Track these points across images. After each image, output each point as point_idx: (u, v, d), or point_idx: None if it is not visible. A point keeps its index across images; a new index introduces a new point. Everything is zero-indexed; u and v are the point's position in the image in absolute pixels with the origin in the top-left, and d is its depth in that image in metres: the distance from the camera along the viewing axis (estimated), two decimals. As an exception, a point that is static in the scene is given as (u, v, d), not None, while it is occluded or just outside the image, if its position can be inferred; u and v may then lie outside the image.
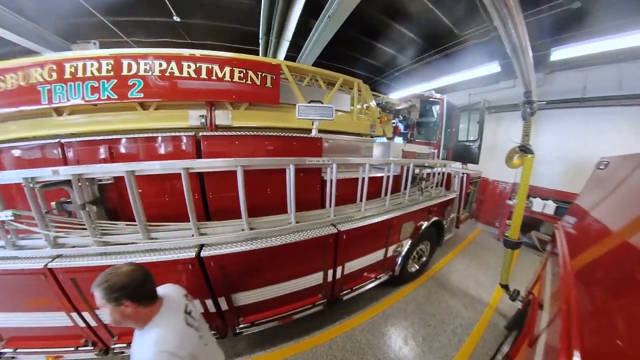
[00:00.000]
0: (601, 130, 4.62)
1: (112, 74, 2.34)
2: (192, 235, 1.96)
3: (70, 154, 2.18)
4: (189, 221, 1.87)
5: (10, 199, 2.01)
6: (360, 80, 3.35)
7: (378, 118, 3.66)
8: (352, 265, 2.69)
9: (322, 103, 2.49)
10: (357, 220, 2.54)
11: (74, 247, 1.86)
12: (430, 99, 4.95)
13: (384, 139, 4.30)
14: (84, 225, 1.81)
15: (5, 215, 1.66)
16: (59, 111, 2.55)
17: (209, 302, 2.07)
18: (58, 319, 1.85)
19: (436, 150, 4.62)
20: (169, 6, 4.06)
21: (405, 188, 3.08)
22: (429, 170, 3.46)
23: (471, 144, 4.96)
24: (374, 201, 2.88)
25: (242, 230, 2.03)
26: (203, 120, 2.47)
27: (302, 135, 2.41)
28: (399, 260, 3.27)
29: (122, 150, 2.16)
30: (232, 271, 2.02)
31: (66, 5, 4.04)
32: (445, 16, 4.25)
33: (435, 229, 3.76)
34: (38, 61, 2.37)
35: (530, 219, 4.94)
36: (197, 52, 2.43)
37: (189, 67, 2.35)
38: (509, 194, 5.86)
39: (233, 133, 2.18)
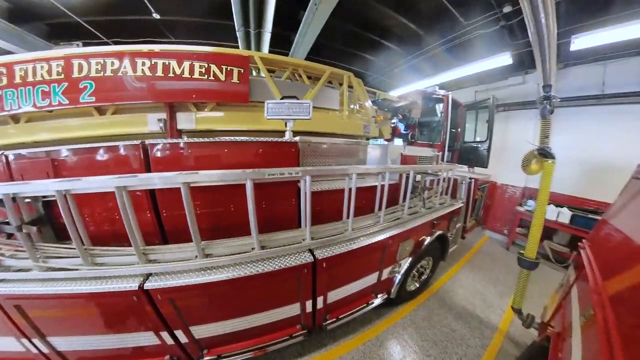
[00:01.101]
0: (623, 130, 3.91)
1: (62, 76, 2.04)
2: (138, 263, 1.62)
3: (14, 169, 1.92)
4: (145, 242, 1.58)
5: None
6: (351, 73, 2.83)
7: (373, 117, 3.12)
8: (337, 293, 2.26)
9: (298, 99, 2.02)
10: (342, 243, 2.08)
11: (18, 270, 1.64)
12: (433, 96, 4.35)
13: (381, 141, 3.77)
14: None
15: None
16: (15, 119, 2.31)
17: (165, 334, 1.76)
18: (5, 345, 1.67)
19: (440, 153, 4.01)
20: (147, 3, 3.72)
21: (404, 199, 2.57)
22: (432, 177, 2.91)
23: (479, 145, 4.31)
24: (365, 217, 2.40)
25: (196, 257, 1.67)
26: (162, 124, 2.10)
27: (272, 139, 1.97)
28: (396, 281, 2.78)
29: (67, 162, 1.85)
30: (186, 304, 1.70)
31: (41, 6, 3.77)
32: (450, 3, 3.61)
33: (439, 242, 3.22)
34: None
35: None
36: (157, 47, 2.06)
37: (143, 64, 1.99)
38: (519, 200, 5.20)
39: (187, 140, 1.79)
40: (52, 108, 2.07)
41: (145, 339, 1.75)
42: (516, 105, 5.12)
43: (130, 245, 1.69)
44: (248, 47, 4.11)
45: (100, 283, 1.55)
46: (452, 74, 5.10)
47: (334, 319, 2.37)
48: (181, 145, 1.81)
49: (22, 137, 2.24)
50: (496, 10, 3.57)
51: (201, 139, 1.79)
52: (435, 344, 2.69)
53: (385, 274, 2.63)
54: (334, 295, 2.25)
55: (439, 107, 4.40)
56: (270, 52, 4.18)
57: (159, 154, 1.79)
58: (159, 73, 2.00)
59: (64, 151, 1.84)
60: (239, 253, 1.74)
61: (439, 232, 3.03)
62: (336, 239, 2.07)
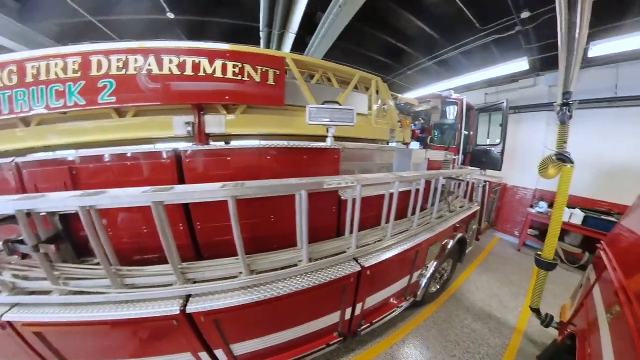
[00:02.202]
0: (636, 132, 3.88)
1: (79, 74, 1.75)
2: (176, 283, 1.40)
3: (27, 178, 1.63)
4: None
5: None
6: (379, 78, 2.66)
7: (398, 121, 2.98)
8: (373, 299, 2.14)
9: (339, 104, 1.83)
10: (383, 250, 1.97)
11: (34, 293, 1.39)
12: (448, 100, 4.24)
13: (397, 144, 3.64)
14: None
15: None
16: (26, 122, 1.99)
17: (203, 355, 1.55)
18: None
19: (456, 157, 3.93)
20: (162, 1, 3.40)
21: (432, 204, 2.45)
22: (455, 181, 2.81)
23: (492, 148, 4.24)
24: (399, 223, 2.29)
25: (240, 273, 1.47)
26: (189, 128, 1.86)
27: (315, 145, 1.80)
28: (423, 284, 2.70)
29: (87, 170, 1.59)
30: (229, 324, 1.51)
31: (52, 5, 3.44)
32: (468, 8, 3.50)
33: (458, 245, 3.15)
34: None
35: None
36: (184, 44, 1.80)
37: (170, 62, 1.74)
38: (530, 201, 5.11)
39: (224, 146, 1.58)
40: (67, 110, 1.79)
41: (183, 359, 1.54)
42: (527, 108, 5.04)
43: (159, 262, 1.48)
44: (268, 49, 3.83)
45: (132, 307, 1.34)
46: (467, 79, 5.00)
47: (368, 324, 2.27)
48: (217, 151, 1.59)
49: (33, 142, 1.94)
50: (514, 15, 3.45)
51: (239, 145, 1.58)
52: (458, 344, 2.66)
53: (415, 277, 2.55)
54: (370, 301, 2.15)
55: (453, 111, 4.31)
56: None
57: (192, 161, 1.56)
58: (188, 72, 1.75)
59: (83, 157, 1.58)
60: (287, 267, 1.56)
61: (459, 235, 2.96)
62: (377, 245, 1.96)
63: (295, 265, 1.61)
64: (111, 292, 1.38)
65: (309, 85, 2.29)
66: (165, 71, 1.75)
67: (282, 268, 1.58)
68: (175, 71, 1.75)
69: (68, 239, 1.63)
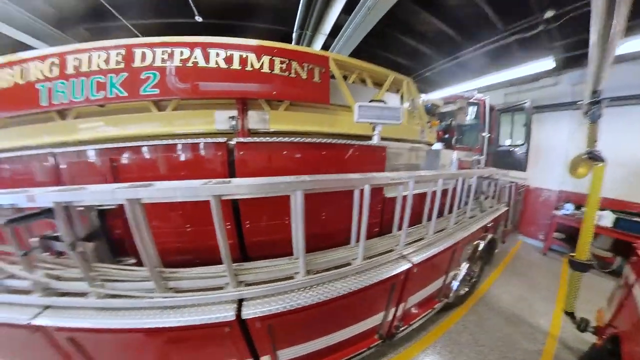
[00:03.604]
0: None
1: (122, 65, 1.63)
2: (227, 284, 1.21)
3: (64, 170, 1.46)
4: (218, 260, 1.19)
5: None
6: (410, 79, 2.57)
7: (428, 122, 2.88)
8: (414, 299, 1.99)
9: (386, 103, 1.72)
10: (427, 247, 1.83)
11: (67, 294, 1.23)
12: (470, 101, 4.09)
13: (421, 145, 3.53)
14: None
15: None
16: (62, 115, 1.84)
17: None
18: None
19: (481, 158, 3.81)
20: (192, 6, 3.36)
21: (465, 204, 2.32)
22: (486, 182, 2.68)
23: (516, 149, 4.07)
24: (438, 221, 2.13)
25: (296, 274, 1.29)
26: (234, 123, 1.73)
27: (362, 142, 1.68)
28: (455, 285, 2.52)
29: (128, 163, 1.43)
30: (282, 329, 1.33)
31: (86, 8, 3.40)
32: (490, 9, 3.39)
33: (487, 246, 2.98)
34: (39, 54, 1.68)
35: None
36: (232, 40, 1.69)
37: (217, 55, 1.62)
38: (555, 203, 4.79)
39: (274, 139, 1.43)
40: (107, 102, 1.64)
41: None
42: (549, 107, 4.79)
43: (200, 264, 1.30)
44: None
45: (180, 314, 1.16)
46: (488, 79, 4.80)
47: (406, 326, 2.12)
48: (270, 144, 1.44)
49: (69, 135, 1.79)
50: (537, 15, 3.29)
51: (292, 139, 1.44)
52: (492, 350, 2.48)
53: (449, 277, 2.38)
54: (411, 301, 2.00)
55: (475, 111, 4.12)
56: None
57: (245, 154, 1.41)
58: (236, 66, 1.63)
59: (124, 149, 1.42)
60: (342, 266, 1.40)
61: (490, 236, 2.81)
62: (420, 243, 1.83)
63: (349, 264, 1.44)
64: (156, 296, 1.19)
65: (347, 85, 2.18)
66: (212, 64, 1.62)
67: (335, 268, 1.41)
68: (222, 65, 1.63)
69: (105, 237, 1.44)
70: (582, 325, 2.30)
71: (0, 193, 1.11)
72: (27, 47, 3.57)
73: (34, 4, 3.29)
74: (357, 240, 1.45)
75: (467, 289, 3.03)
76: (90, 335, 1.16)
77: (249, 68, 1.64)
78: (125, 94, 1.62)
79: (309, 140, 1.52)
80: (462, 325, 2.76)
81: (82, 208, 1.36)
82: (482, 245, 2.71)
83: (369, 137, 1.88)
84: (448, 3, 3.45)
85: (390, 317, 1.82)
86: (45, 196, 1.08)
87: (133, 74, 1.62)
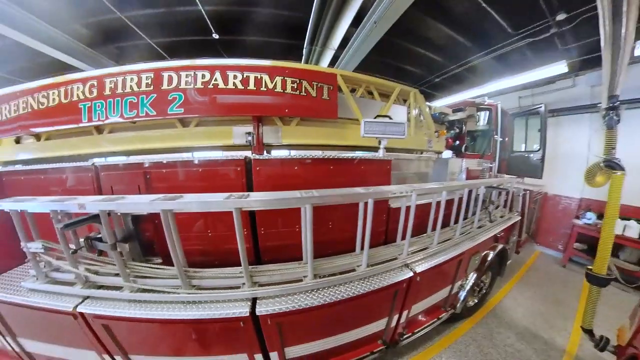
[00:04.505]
0: None
1: (151, 88, 1.91)
2: (243, 284, 1.41)
3: (103, 179, 1.74)
4: (235, 262, 1.40)
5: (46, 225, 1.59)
6: (417, 90, 2.71)
7: (435, 132, 2.98)
8: (418, 307, 2.08)
9: (391, 119, 1.88)
10: (431, 257, 1.93)
11: (104, 287, 1.48)
12: (482, 106, 4.09)
13: (430, 154, 3.59)
14: (115, 263, 1.42)
15: (36, 246, 1.44)
16: (99, 129, 2.16)
17: (259, 356, 1.54)
18: (88, 358, 1.55)
19: (493, 165, 3.81)
20: (209, 24, 3.72)
21: (473, 213, 2.39)
22: (496, 190, 2.73)
23: (531, 154, 4.01)
24: (443, 231, 2.23)
25: (305, 277, 1.46)
26: (250, 138, 1.95)
27: (368, 156, 1.83)
28: (462, 295, 2.56)
29: (159, 176, 1.68)
30: (290, 327, 1.50)
31: (116, 29, 3.88)
32: (498, 14, 3.43)
33: (498, 257, 3.00)
34: (80, 77, 2.01)
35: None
36: (247, 62, 1.93)
37: (234, 77, 1.86)
38: (575, 212, 4.64)
39: (289, 155, 1.63)
40: (138, 119, 1.93)
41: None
42: (566, 111, 4.69)
43: (220, 266, 1.50)
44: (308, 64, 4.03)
45: (201, 308, 1.36)
46: (499, 84, 4.79)
47: (410, 334, 2.18)
48: (283, 160, 1.65)
49: (105, 147, 2.11)
50: (548, 18, 3.28)
51: (303, 155, 1.63)
52: None
53: (456, 287, 2.44)
54: (415, 309, 2.08)
55: (487, 117, 4.13)
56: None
57: (262, 169, 1.62)
58: (251, 87, 1.86)
59: (156, 163, 1.67)
60: (347, 272, 1.55)
61: (500, 246, 2.83)
62: (424, 253, 1.92)
63: (354, 270, 1.59)
64: (181, 292, 1.41)
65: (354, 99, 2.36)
66: (230, 85, 1.86)
67: (340, 273, 1.57)
68: (240, 86, 1.86)
69: (137, 239, 1.69)
70: (601, 344, 2.20)
71: (55, 201, 1.38)
72: (67, 65, 4.09)
73: (72, 27, 3.77)
74: (362, 248, 1.60)
75: (476, 301, 3.04)
76: (123, 323, 1.38)
77: (263, 88, 1.86)
78: (154, 113, 1.89)
79: (317, 155, 1.70)
80: (470, 338, 2.76)
81: (119, 214, 1.62)
82: (491, 255, 2.75)
83: (377, 149, 2.03)
84: (456, 10, 3.50)
85: (393, 324, 1.91)
86: (93, 205, 1.33)
87: (161, 95, 1.89)
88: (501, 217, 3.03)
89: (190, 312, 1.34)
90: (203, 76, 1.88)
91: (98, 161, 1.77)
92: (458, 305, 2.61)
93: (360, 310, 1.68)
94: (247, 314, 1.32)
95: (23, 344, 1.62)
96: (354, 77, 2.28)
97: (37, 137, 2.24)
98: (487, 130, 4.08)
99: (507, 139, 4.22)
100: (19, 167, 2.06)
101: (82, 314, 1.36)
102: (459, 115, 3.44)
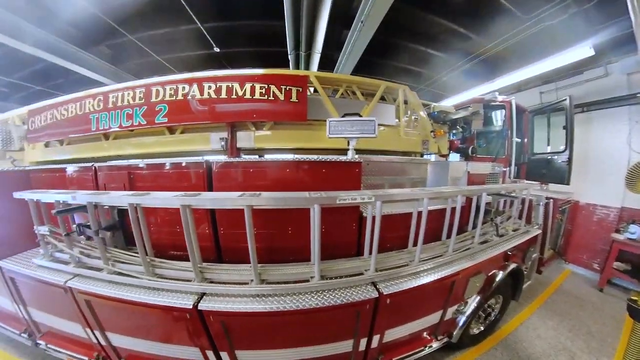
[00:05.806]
0: None
1: (143, 101, 2.24)
2: (194, 280, 1.54)
3: (100, 178, 2.09)
4: (205, 258, 1.59)
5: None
6: (407, 86, 2.57)
7: (431, 132, 2.77)
8: (395, 332, 1.89)
9: (360, 116, 1.84)
10: (408, 277, 1.75)
11: (92, 268, 1.75)
12: (492, 103, 3.69)
13: (434, 156, 3.33)
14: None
15: (44, 230, 1.81)
16: (106, 136, 2.61)
17: (210, 354, 1.64)
18: (73, 329, 1.86)
19: (507, 169, 3.35)
20: (209, 39, 4.19)
21: (474, 226, 2.14)
22: (505, 199, 2.39)
23: (555, 156, 3.49)
24: (431, 246, 2.03)
25: (251, 281, 1.52)
26: (223, 143, 2.11)
27: (335, 159, 1.79)
28: (461, 322, 2.26)
29: (139, 175, 1.95)
30: (236, 329, 1.55)
31: (132, 50, 4.67)
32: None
33: (511, 278, 2.61)
34: (91, 94, 2.45)
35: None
36: (219, 73, 2.13)
37: (209, 88, 2.06)
38: (616, 224, 3.94)
39: (249, 159, 1.73)
40: (133, 128, 2.28)
41: (192, 353, 1.66)
42: (599, 104, 4.04)
43: (186, 260, 1.64)
44: (298, 69, 4.23)
45: (157, 295, 1.53)
46: (514, 77, 4.32)
47: None
48: (242, 163, 1.75)
49: (108, 151, 2.52)
50: None
51: (262, 158, 1.72)
52: None
53: (450, 313, 2.16)
54: (391, 335, 1.88)
55: (499, 115, 3.74)
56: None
57: (220, 172, 1.75)
58: (223, 95, 2.05)
59: (137, 165, 1.95)
60: (297, 282, 1.55)
61: (513, 266, 2.46)
62: (401, 271, 1.75)
63: (307, 281, 1.58)
64: (144, 278, 1.60)
65: (333, 100, 2.38)
66: (205, 96, 2.07)
67: (295, 282, 1.57)
68: (213, 95, 2.06)
69: (122, 229, 1.98)
70: (646, 395, 1.82)
71: (56, 193, 1.72)
72: (93, 80, 4.86)
73: (96, 48, 4.58)
74: (322, 259, 1.57)
75: (482, 328, 2.67)
76: (100, 300, 1.61)
77: (234, 96, 2.02)
78: (145, 122, 2.20)
79: (276, 158, 1.77)
80: (472, 373, 2.46)
81: (107, 207, 1.93)
82: (500, 276, 2.40)
83: (362, 151, 1.98)
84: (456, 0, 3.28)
85: (362, 347, 1.78)
86: (82, 197, 1.62)
87: (150, 107, 2.19)
88: (515, 230, 2.62)
89: (149, 297, 1.51)
90: (183, 88, 2.13)
91: (97, 163, 2.14)
92: (455, 332, 2.31)
93: (318, 327, 1.63)
94: (191, 307, 1.42)
95: (31, 313, 1.99)
96: (331, 77, 2.31)
97: (61, 142, 2.80)
98: (500, 130, 3.62)
99: (525, 139, 3.67)
100: (41, 166, 2.57)
101: (70, 288, 1.65)
102: (462, 113, 3.11)
